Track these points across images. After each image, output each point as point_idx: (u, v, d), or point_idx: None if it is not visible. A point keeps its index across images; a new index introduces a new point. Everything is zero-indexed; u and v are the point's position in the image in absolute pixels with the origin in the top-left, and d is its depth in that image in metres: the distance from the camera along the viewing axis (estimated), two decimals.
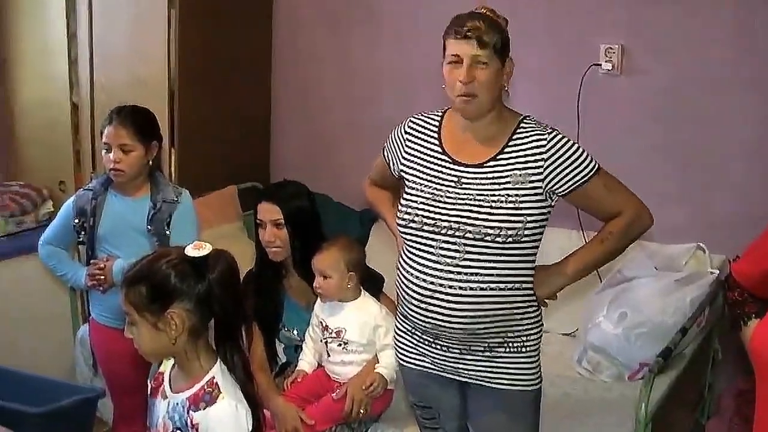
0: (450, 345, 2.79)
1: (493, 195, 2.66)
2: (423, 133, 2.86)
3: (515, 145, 2.71)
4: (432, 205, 2.72)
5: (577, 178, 2.69)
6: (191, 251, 2.25)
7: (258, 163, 5.47)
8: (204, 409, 2.26)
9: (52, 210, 4.71)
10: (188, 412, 2.27)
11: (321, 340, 3.41)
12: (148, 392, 2.49)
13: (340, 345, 3.36)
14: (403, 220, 2.78)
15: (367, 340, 3.35)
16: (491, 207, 2.65)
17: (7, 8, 5.05)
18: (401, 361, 2.98)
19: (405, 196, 2.83)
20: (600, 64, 4.31)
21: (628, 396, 3.51)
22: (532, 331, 2.80)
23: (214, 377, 2.29)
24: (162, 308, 2.23)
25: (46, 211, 4.82)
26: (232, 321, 2.33)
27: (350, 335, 3.35)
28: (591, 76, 4.33)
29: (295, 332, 3.55)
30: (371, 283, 3.47)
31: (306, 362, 3.47)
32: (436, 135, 2.83)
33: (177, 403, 2.31)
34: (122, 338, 2.41)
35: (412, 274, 2.77)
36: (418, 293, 2.75)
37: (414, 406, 3.09)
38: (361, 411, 3.33)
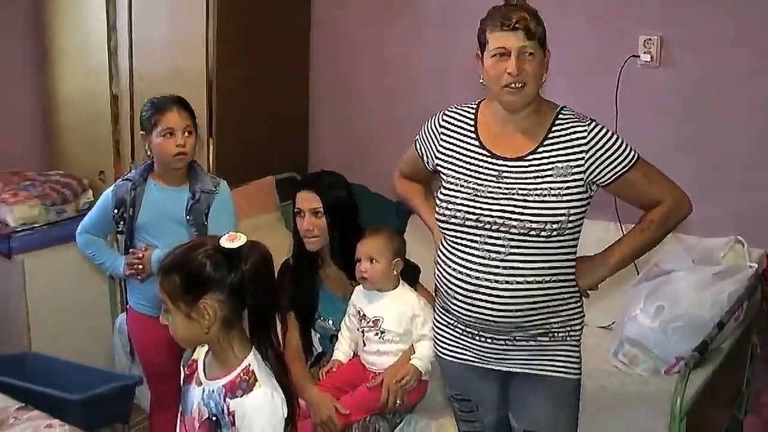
0: (494, 337, 2.78)
1: (536, 189, 2.65)
2: (458, 126, 2.84)
3: (555, 137, 2.69)
4: (474, 201, 2.70)
5: (618, 168, 2.67)
6: (225, 242, 2.27)
7: (296, 153, 5.48)
8: (241, 396, 2.28)
9: (92, 199, 4.75)
10: (224, 400, 2.29)
11: (357, 329, 3.42)
12: (182, 379, 2.51)
13: (376, 334, 3.37)
14: (444, 216, 2.76)
15: (404, 330, 3.36)
16: (534, 201, 2.63)
17: (49, 1, 5.10)
18: (441, 354, 2.97)
19: (444, 191, 2.80)
20: (638, 56, 4.28)
21: (664, 390, 3.49)
22: (575, 322, 2.81)
23: (249, 365, 2.31)
24: (195, 298, 2.25)
25: (86, 200, 4.87)
26: (265, 312, 2.35)
27: (388, 324, 3.35)
28: (629, 67, 4.30)
29: (331, 322, 3.57)
30: (408, 273, 3.47)
31: (341, 352, 3.48)
32: (472, 128, 2.81)
33: (212, 391, 2.33)
34: (159, 327, 2.43)
35: (455, 269, 2.75)
36: (463, 288, 2.74)
37: (451, 398, 3.08)
38: (397, 402, 3.33)
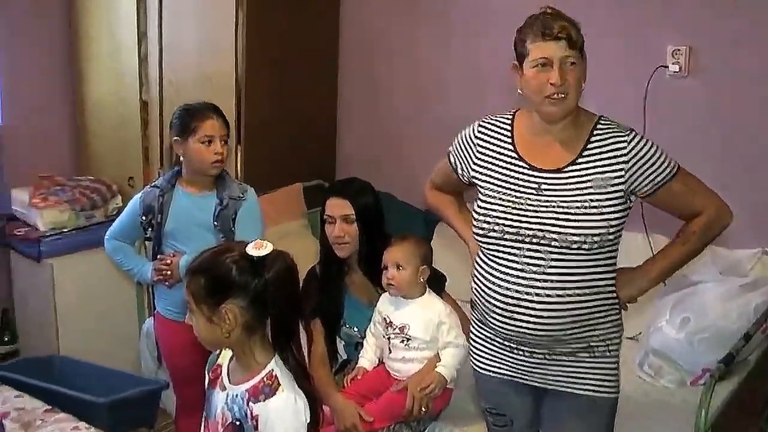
0: (533, 351, 2.76)
1: (576, 201, 2.62)
2: (495, 137, 2.80)
3: (594, 148, 2.66)
4: (513, 214, 2.67)
5: (659, 179, 2.65)
6: (252, 250, 2.29)
7: (323, 161, 5.50)
8: (264, 401, 2.29)
9: (121, 205, 4.80)
10: (248, 404, 2.31)
11: (383, 336, 3.42)
12: (206, 383, 2.53)
13: (402, 341, 3.37)
14: (482, 229, 2.73)
15: (431, 337, 3.35)
16: (575, 214, 2.61)
17: (81, 7, 5.16)
18: (477, 368, 2.95)
19: (481, 204, 2.77)
20: (667, 66, 4.26)
21: (689, 401, 3.47)
22: (614, 335, 2.78)
23: (272, 370, 2.32)
24: (217, 302, 2.27)
25: (115, 206, 4.92)
26: (287, 321, 2.36)
27: (414, 331, 3.35)
28: (657, 78, 4.28)
29: (356, 329, 3.57)
30: (434, 281, 3.47)
31: (366, 359, 3.48)
32: (509, 139, 2.77)
33: (236, 395, 2.34)
34: (186, 332, 2.46)
35: (494, 283, 2.73)
36: (502, 301, 2.71)
37: (486, 411, 3.06)
38: (422, 409, 3.34)
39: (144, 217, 3.61)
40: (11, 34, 4.82)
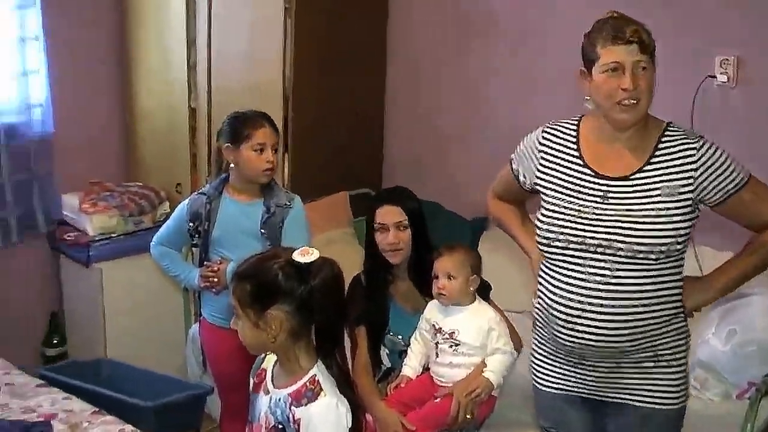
0: (597, 364, 2.71)
1: (643, 210, 2.57)
2: (560, 143, 2.75)
3: (663, 155, 2.61)
4: (577, 223, 2.62)
5: (729, 187, 2.59)
6: (298, 256, 2.31)
7: (370, 169, 5.51)
8: (306, 405, 2.31)
9: (168, 211, 4.83)
10: (290, 408, 2.33)
11: (431, 341, 3.42)
12: (250, 387, 2.55)
13: (451, 346, 3.36)
14: (546, 238, 2.68)
15: (480, 344, 3.35)
16: (642, 223, 2.55)
17: (130, 15, 5.22)
18: (539, 386, 2.91)
19: (545, 212, 2.72)
20: (715, 76, 4.23)
21: (735, 415, 3.43)
22: (680, 344, 2.73)
23: (315, 375, 2.34)
24: (263, 308, 2.30)
25: (163, 212, 4.97)
26: (332, 328, 2.38)
27: (464, 337, 3.34)
28: (705, 88, 4.25)
29: (400, 337, 3.58)
30: (480, 290, 3.47)
31: (410, 367, 3.48)
32: (574, 145, 2.72)
33: (279, 399, 2.36)
34: (231, 338, 2.48)
35: (556, 294, 2.68)
36: (565, 312, 2.66)
37: (543, 430, 3.02)
38: (467, 416, 3.34)
39: (191, 224, 3.64)
40: (62, 43, 4.88)
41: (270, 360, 2.50)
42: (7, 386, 3.69)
